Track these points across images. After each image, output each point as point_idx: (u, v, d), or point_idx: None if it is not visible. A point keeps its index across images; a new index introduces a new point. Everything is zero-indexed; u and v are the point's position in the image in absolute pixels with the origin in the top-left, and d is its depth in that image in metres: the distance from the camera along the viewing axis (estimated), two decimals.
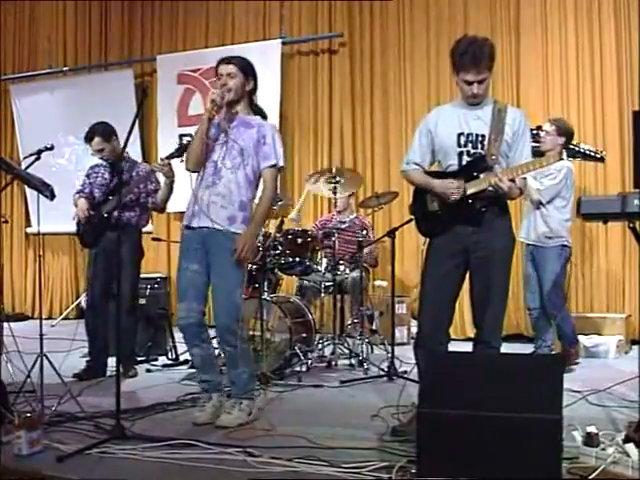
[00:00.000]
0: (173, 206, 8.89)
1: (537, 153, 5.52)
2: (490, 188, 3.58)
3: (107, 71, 9.69)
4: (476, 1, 7.69)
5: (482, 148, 3.61)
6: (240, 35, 8.86)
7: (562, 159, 3.54)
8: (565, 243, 5.72)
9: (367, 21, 8.26)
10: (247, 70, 4.05)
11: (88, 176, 5.59)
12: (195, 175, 4.08)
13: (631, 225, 3.44)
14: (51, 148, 5.08)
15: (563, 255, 5.73)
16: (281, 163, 4.05)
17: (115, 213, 5.20)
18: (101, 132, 5.39)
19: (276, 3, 8.69)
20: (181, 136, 8.74)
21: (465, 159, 3.64)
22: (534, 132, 5.40)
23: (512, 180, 3.52)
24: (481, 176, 3.59)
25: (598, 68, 7.17)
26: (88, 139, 5.41)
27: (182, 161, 4.20)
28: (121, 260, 5.11)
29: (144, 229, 5.64)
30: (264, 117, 4.16)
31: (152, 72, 9.38)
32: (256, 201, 4.11)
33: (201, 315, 4.04)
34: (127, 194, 5.27)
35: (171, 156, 5.03)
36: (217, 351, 4.42)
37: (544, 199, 5.63)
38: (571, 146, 3.48)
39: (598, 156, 3.46)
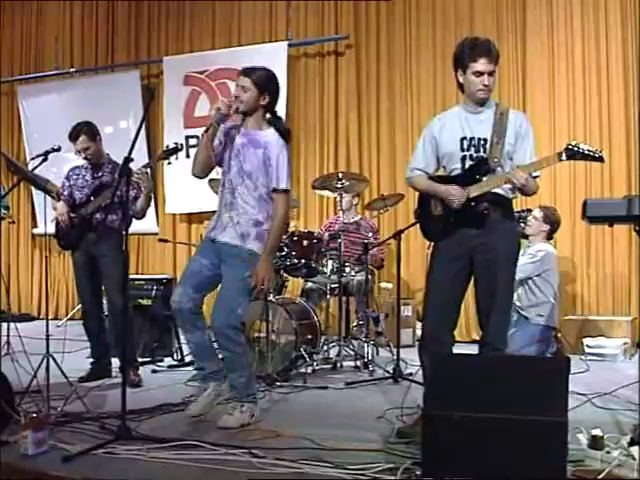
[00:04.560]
0: (179, 208, 9.05)
1: (522, 235, 5.89)
2: (496, 190, 3.60)
3: (114, 72, 9.71)
4: (482, 3, 7.70)
5: (484, 151, 3.63)
6: (247, 37, 8.87)
7: (562, 160, 3.53)
8: (548, 324, 5.92)
9: (373, 23, 8.27)
10: (263, 85, 4.01)
11: (68, 178, 5.43)
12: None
13: (637, 228, 3.44)
14: (58, 149, 5.10)
15: (537, 336, 5.86)
16: (282, 186, 4.01)
17: (98, 215, 5.19)
18: (86, 131, 5.25)
19: (283, 5, 8.71)
20: (187, 137, 8.77)
21: (468, 163, 3.65)
22: (523, 214, 5.68)
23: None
24: (484, 179, 3.60)
25: (604, 71, 7.17)
26: (73, 137, 5.25)
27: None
28: (105, 263, 5.15)
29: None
30: (280, 131, 4.12)
31: (159, 73, 9.39)
32: None
33: (195, 302, 4.02)
34: (110, 196, 5.06)
35: (147, 165, 5.04)
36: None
37: (517, 276, 5.81)
38: (570, 146, 3.48)
39: (597, 156, 3.46)
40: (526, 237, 6.08)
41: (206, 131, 4.00)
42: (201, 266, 4.07)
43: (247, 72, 4.04)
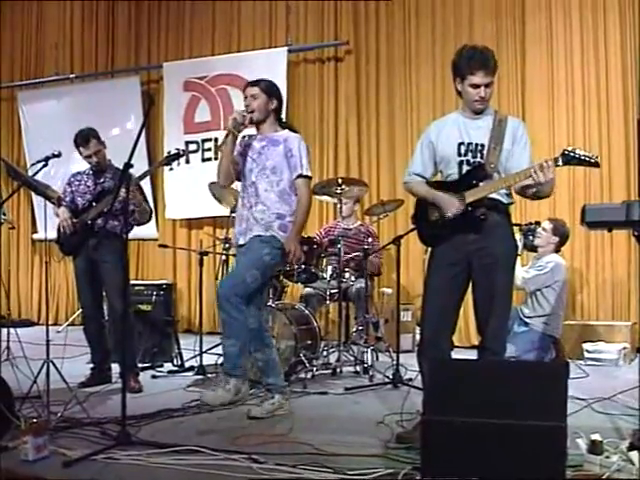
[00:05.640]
0: (179, 213, 9.06)
1: (532, 248, 6.01)
2: (492, 195, 3.61)
3: (114, 78, 9.73)
4: (482, 9, 7.72)
5: (482, 157, 3.64)
6: (246, 42, 8.88)
7: (558, 165, 3.53)
8: (550, 334, 5.94)
9: (373, 29, 8.29)
10: (270, 91, 4.38)
11: (69, 184, 5.43)
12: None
13: (636, 233, 3.45)
14: (58, 155, 5.09)
15: (536, 343, 5.90)
16: (305, 172, 4.31)
17: (99, 221, 5.19)
18: (95, 135, 5.27)
19: (282, 11, 8.72)
20: (187, 143, 8.77)
21: (465, 168, 3.67)
22: (532, 226, 5.74)
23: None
24: (481, 184, 3.61)
25: (603, 77, 7.18)
26: (84, 142, 5.23)
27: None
28: (106, 268, 5.17)
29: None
30: (294, 131, 4.46)
31: (158, 79, 9.40)
32: None
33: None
34: (112, 202, 4.92)
35: (143, 176, 5.09)
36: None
37: (528, 288, 5.96)
38: (566, 152, 3.49)
39: (592, 161, 3.48)
40: (535, 249, 6.10)
41: (226, 137, 4.27)
42: None
43: (254, 82, 4.41)
